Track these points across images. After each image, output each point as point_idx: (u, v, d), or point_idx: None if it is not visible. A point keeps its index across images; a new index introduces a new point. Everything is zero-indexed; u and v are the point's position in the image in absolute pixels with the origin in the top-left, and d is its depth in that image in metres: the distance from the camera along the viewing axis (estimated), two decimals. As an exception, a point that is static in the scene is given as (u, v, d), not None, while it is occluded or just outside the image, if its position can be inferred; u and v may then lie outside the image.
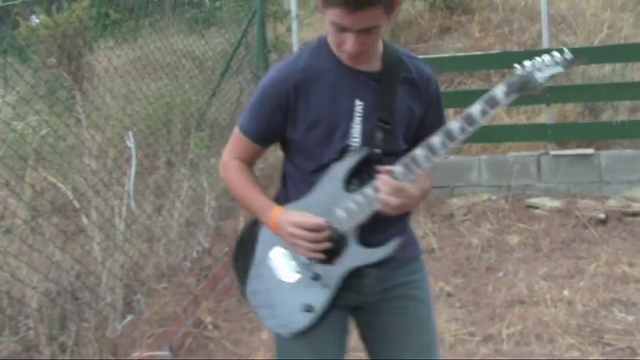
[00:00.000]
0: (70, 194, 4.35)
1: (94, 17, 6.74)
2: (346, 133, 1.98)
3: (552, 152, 6.60)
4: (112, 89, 5.59)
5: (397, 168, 1.90)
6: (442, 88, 7.72)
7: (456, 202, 6.52)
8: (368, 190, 1.93)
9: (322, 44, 2.03)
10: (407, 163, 1.90)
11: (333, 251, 1.98)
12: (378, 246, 1.99)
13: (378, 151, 1.98)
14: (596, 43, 8.13)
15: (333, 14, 1.81)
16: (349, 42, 1.85)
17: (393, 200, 1.87)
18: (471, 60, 7.35)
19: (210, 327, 4.32)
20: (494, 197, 6.47)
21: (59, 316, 3.65)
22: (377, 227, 1.99)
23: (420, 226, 6.02)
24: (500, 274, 5.03)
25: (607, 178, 6.39)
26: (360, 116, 1.98)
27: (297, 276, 2.02)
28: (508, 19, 9.41)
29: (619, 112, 7.11)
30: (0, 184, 4.05)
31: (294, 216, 1.99)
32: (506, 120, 7.54)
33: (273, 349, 4.12)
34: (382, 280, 2.06)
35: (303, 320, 2.01)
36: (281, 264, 2.05)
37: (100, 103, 5.22)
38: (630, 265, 4.89)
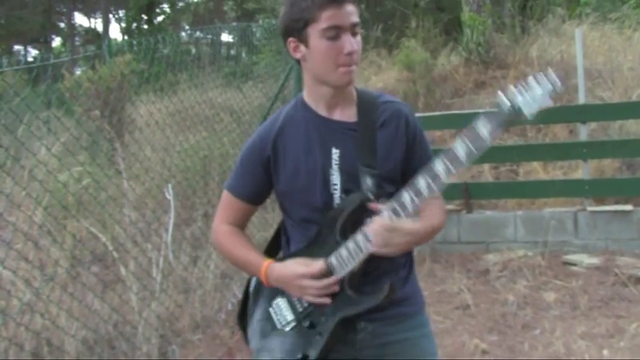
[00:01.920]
0: (109, 244, 4.42)
1: (135, 70, 6.91)
2: (326, 181, 2.03)
3: (590, 208, 6.54)
4: (152, 142, 5.71)
5: (385, 213, 1.90)
6: (478, 144, 7.55)
7: (491, 258, 6.47)
8: (358, 236, 1.94)
9: (298, 100, 2.15)
10: (394, 209, 1.90)
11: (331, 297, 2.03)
12: (369, 295, 1.99)
13: (370, 196, 1.98)
14: (633, 97, 8.11)
15: (325, 19, 1.91)
16: (347, 43, 1.93)
17: (385, 237, 1.88)
18: (505, 115, 7.35)
19: (244, 379, 4.31)
20: (530, 253, 6.41)
21: (96, 365, 3.68)
22: (370, 278, 2.01)
23: (455, 282, 5.98)
24: (537, 332, 4.95)
25: (647, 235, 6.30)
26: (337, 164, 2.03)
27: (293, 324, 2.06)
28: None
29: (658, 168, 7.06)
30: (43, 232, 4.13)
31: (296, 267, 2.02)
32: (542, 175, 7.52)
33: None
34: (377, 336, 2.06)
35: None
36: (280, 314, 2.09)
37: (141, 155, 5.33)
38: (672, 325, 4.78)
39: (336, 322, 2.00)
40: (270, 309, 2.10)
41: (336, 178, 2.03)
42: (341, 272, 1.98)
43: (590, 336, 4.75)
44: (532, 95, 1.71)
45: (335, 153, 2.03)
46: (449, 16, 14.46)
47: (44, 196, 4.34)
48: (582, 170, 6.82)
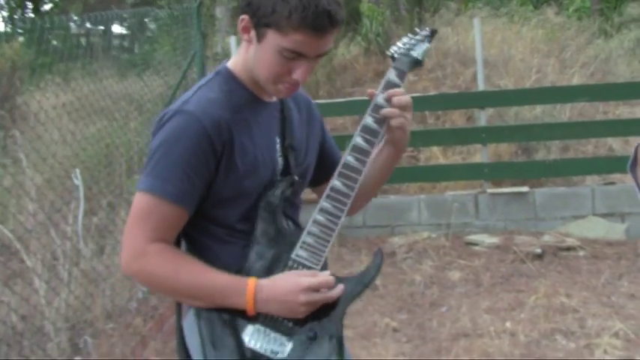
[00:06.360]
0: (10, 235, 4.25)
1: (24, 56, 6.67)
2: (274, 173, 1.78)
3: (489, 190, 6.79)
4: (51, 131, 5.50)
5: (336, 183, 1.75)
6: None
7: (397, 240, 6.61)
8: (318, 217, 1.73)
9: (229, 77, 1.77)
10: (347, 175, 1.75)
11: None
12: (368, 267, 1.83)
13: (297, 179, 1.83)
14: (526, 86, 8.47)
15: (293, 40, 1.60)
16: (301, 71, 1.65)
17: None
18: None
19: (158, 368, 4.26)
20: (434, 235, 6.59)
21: (2, 360, 3.54)
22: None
23: (363, 265, 6.02)
24: (444, 309, 5.12)
25: (542, 214, 6.62)
26: (280, 155, 1.80)
27: (291, 345, 1.71)
28: (441, 63, 9.70)
29: (551, 151, 7.42)
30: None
31: (298, 279, 1.68)
32: (442, 160, 7.74)
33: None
34: None
35: None
36: (267, 342, 1.70)
37: (39, 144, 5.13)
38: (567, 296, 5.06)
39: (342, 315, 1.76)
40: (250, 345, 1.69)
41: (279, 167, 1.80)
42: (318, 263, 1.73)
43: (493, 310, 4.96)
44: (411, 42, 1.85)
45: (277, 143, 1.80)
46: (348, 7, 14.62)
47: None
48: (481, 154, 7.07)
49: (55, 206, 4.50)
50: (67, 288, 4.12)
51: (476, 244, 6.31)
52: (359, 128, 1.76)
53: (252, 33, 1.66)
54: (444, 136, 7.52)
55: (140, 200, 1.66)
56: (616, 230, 6.35)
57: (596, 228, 6.38)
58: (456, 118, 8.39)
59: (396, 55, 1.81)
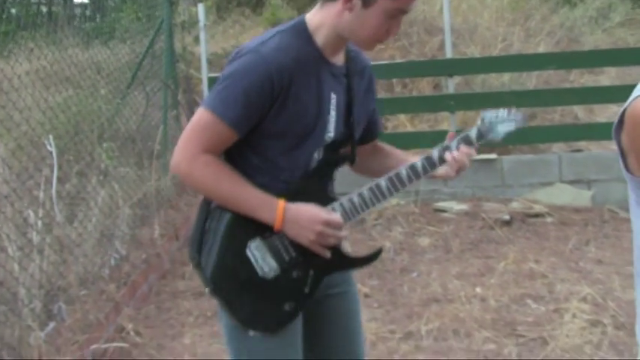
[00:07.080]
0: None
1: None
2: (324, 126, 2.00)
3: (457, 158, 6.83)
4: (21, 98, 5.41)
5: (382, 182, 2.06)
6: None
7: (366, 207, 6.66)
8: (354, 198, 2.03)
9: (303, 31, 1.95)
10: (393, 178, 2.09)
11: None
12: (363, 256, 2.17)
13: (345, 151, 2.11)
14: (493, 54, 8.51)
15: (403, 1, 1.84)
16: (396, 26, 1.90)
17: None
18: (375, 69, 7.51)
19: (132, 333, 4.27)
20: (403, 202, 6.65)
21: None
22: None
23: (334, 231, 6.12)
24: (415, 274, 5.19)
25: (509, 181, 6.70)
26: (334, 110, 2.01)
27: (277, 273, 1.98)
28: (407, 32, 9.68)
29: (518, 119, 7.47)
30: None
31: (318, 211, 1.97)
32: (409, 128, 7.76)
33: (197, 353, 4.12)
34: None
35: (288, 319, 2.01)
36: (261, 259, 1.97)
37: (11, 110, 5.04)
38: (536, 262, 5.17)
39: (323, 278, 2.04)
40: (248, 252, 1.96)
41: (332, 125, 2.02)
42: (347, 220, 2.03)
43: (463, 276, 5.05)
44: (505, 120, 2.16)
45: (333, 98, 2.01)
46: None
47: None
48: (450, 122, 7.11)
49: (28, 172, 4.44)
50: (41, 255, 4.09)
51: (444, 211, 6.39)
52: (424, 156, 2.09)
53: (356, 1, 1.84)
54: (412, 103, 7.54)
55: (202, 115, 1.93)
56: (583, 197, 6.48)
57: (563, 195, 6.50)
58: (424, 86, 8.42)
59: (485, 120, 2.14)
